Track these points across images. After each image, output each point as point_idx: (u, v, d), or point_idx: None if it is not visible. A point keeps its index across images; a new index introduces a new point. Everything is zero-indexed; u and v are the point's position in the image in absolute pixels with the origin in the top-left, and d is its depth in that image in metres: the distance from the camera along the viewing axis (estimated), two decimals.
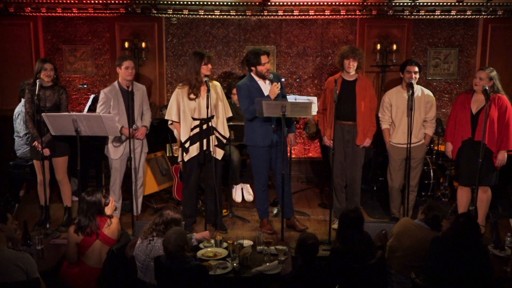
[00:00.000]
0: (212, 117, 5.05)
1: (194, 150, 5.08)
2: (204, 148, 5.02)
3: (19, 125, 5.71)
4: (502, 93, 4.96)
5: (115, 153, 5.27)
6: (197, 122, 5.04)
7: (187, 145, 5.07)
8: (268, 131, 5.04)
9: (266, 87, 5.04)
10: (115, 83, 5.25)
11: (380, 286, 3.94)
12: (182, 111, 5.03)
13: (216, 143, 5.11)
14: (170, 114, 5.09)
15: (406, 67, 5.27)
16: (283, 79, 5.33)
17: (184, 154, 5.11)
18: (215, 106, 5.07)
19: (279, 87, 4.94)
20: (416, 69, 5.21)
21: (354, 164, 5.35)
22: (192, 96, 4.98)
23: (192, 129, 5.05)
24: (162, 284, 3.61)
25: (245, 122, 5.15)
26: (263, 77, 5.02)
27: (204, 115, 4.94)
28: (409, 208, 5.30)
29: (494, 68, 5.04)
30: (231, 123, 5.41)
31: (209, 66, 4.97)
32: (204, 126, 5.03)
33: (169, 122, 5.20)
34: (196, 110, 5.01)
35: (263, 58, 4.96)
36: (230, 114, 5.26)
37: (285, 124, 4.94)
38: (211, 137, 5.04)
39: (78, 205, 4.14)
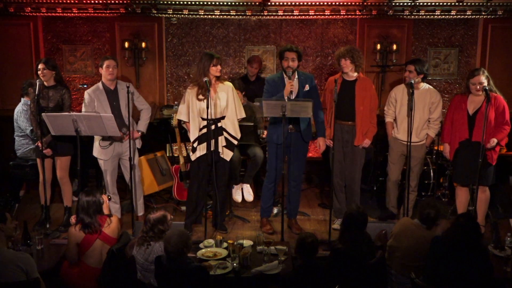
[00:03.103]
0: (223, 117, 5.04)
1: (201, 150, 5.06)
2: (212, 148, 5.01)
3: (22, 123, 5.66)
4: (496, 91, 4.95)
5: (104, 154, 5.23)
6: (206, 122, 5.03)
7: (195, 144, 5.07)
8: (282, 130, 4.94)
9: None
10: (99, 83, 5.22)
11: (380, 286, 3.94)
12: (191, 111, 5.03)
13: (225, 144, 5.10)
14: (181, 114, 5.10)
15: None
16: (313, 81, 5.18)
17: (191, 153, 5.12)
18: (225, 106, 5.04)
19: (293, 85, 4.91)
20: (411, 68, 5.19)
21: (353, 164, 5.35)
22: (200, 96, 4.97)
23: (200, 129, 5.05)
24: (162, 284, 3.60)
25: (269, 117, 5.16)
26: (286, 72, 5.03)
27: (212, 116, 4.92)
28: (409, 208, 5.30)
29: (491, 70, 5.04)
30: None
31: (219, 67, 4.95)
32: (213, 127, 5.01)
33: (182, 122, 5.21)
34: (204, 111, 4.98)
35: (286, 53, 4.99)
36: (244, 115, 5.20)
37: (316, 128, 5.15)
38: (219, 137, 5.04)
39: (76, 205, 4.14)
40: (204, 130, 5.04)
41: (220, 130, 5.05)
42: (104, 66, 5.09)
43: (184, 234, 3.57)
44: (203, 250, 4.30)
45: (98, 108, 5.10)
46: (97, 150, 5.25)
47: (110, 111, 5.08)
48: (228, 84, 5.15)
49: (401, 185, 5.59)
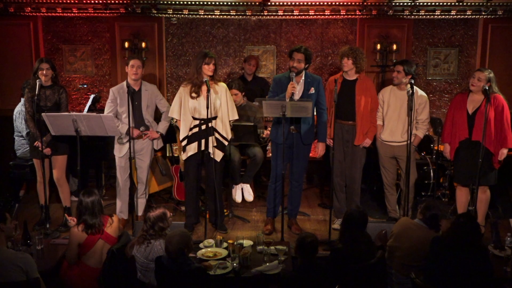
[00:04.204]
0: (214, 118, 5.04)
1: (191, 149, 5.07)
2: (202, 148, 5.02)
3: (20, 124, 5.70)
4: (498, 92, 4.95)
5: (120, 151, 5.25)
6: (197, 122, 5.03)
7: (184, 143, 5.07)
8: (282, 129, 4.92)
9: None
10: (124, 82, 5.23)
11: (380, 286, 3.94)
12: (183, 110, 5.03)
13: (215, 144, 5.09)
14: (173, 111, 5.10)
15: None
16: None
17: (182, 152, 5.12)
18: (219, 107, 5.04)
19: (294, 87, 4.86)
20: (400, 68, 5.19)
21: (353, 164, 5.35)
22: (193, 94, 4.97)
23: (191, 129, 5.05)
24: (162, 284, 3.60)
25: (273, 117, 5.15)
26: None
27: (204, 115, 4.93)
28: (408, 208, 5.30)
29: (492, 70, 5.03)
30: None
31: (211, 66, 4.94)
32: (203, 127, 5.01)
33: (174, 120, 5.19)
34: (196, 110, 4.99)
35: (294, 54, 4.94)
36: (236, 117, 5.19)
37: (317, 131, 5.08)
38: (210, 138, 5.04)
39: (77, 206, 4.13)
40: (195, 130, 5.04)
41: (211, 131, 5.04)
42: (129, 65, 5.13)
43: (186, 235, 3.57)
44: (203, 250, 4.30)
45: (121, 105, 5.14)
46: (115, 147, 5.28)
47: (131, 110, 5.08)
48: (222, 85, 5.14)
49: (398, 185, 5.59)
